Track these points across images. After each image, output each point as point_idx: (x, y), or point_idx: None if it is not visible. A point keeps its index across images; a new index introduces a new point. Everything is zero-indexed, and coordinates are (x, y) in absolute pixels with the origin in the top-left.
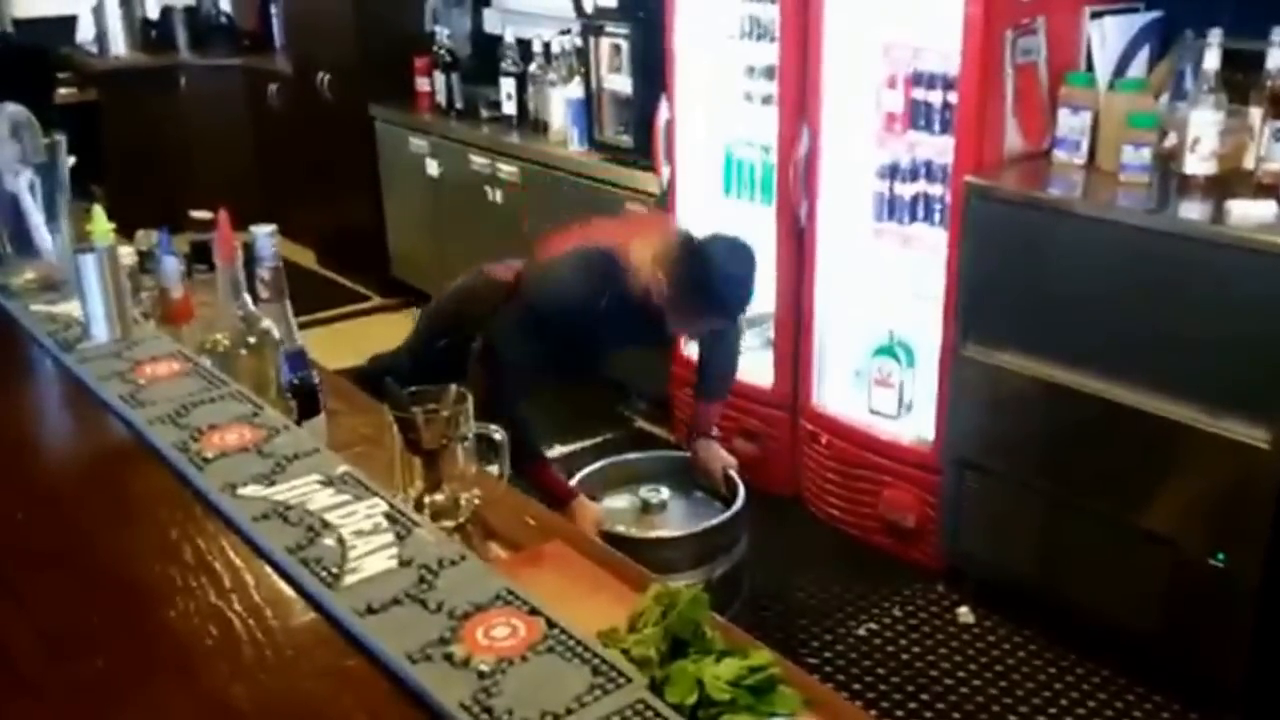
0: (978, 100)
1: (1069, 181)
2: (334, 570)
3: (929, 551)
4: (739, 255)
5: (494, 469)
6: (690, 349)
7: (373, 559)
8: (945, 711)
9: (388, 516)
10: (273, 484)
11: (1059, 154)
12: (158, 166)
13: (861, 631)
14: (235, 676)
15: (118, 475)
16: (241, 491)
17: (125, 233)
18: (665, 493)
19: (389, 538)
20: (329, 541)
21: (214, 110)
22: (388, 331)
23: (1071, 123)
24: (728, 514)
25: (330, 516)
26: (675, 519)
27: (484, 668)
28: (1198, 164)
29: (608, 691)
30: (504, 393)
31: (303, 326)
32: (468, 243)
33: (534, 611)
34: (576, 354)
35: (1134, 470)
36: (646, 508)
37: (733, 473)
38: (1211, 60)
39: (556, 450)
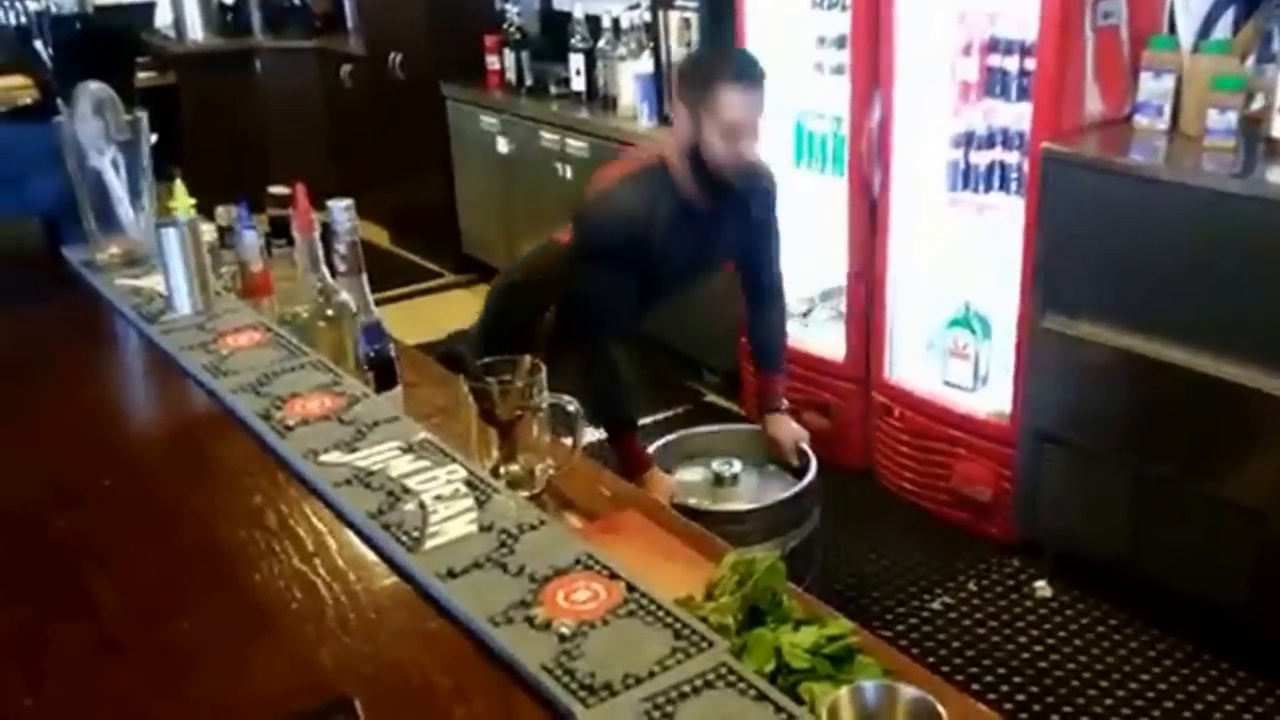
0: (1057, 66)
1: (1151, 147)
2: (415, 535)
3: (1004, 525)
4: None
5: (569, 440)
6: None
7: (453, 524)
8: (1023, 686)
9: (467, 482)
10: (354, 450)
11: (1140, 119)
12: (234, 149)
13: (936, 605)
14: (319, 639)
15: (202, 443)
16: (323, 458)
17: (204, 214)
18: (737, 466)
19: (469, 503)
20: (410, 506)
21: (288, 92)
22: (460, 308)
23: (1154, 87)
24: (799, 487)
25: (411, 482)
26: (747, 492)
27: (565, 630)
28: None
29: (690, 655)
30: (597, 351)
31: (377, 304)
32: (537, 219)
33: (614, 576)
34: (644, 282)
35: (1219, 441)
36: (718, 481)
37: (805, 446)
38: None
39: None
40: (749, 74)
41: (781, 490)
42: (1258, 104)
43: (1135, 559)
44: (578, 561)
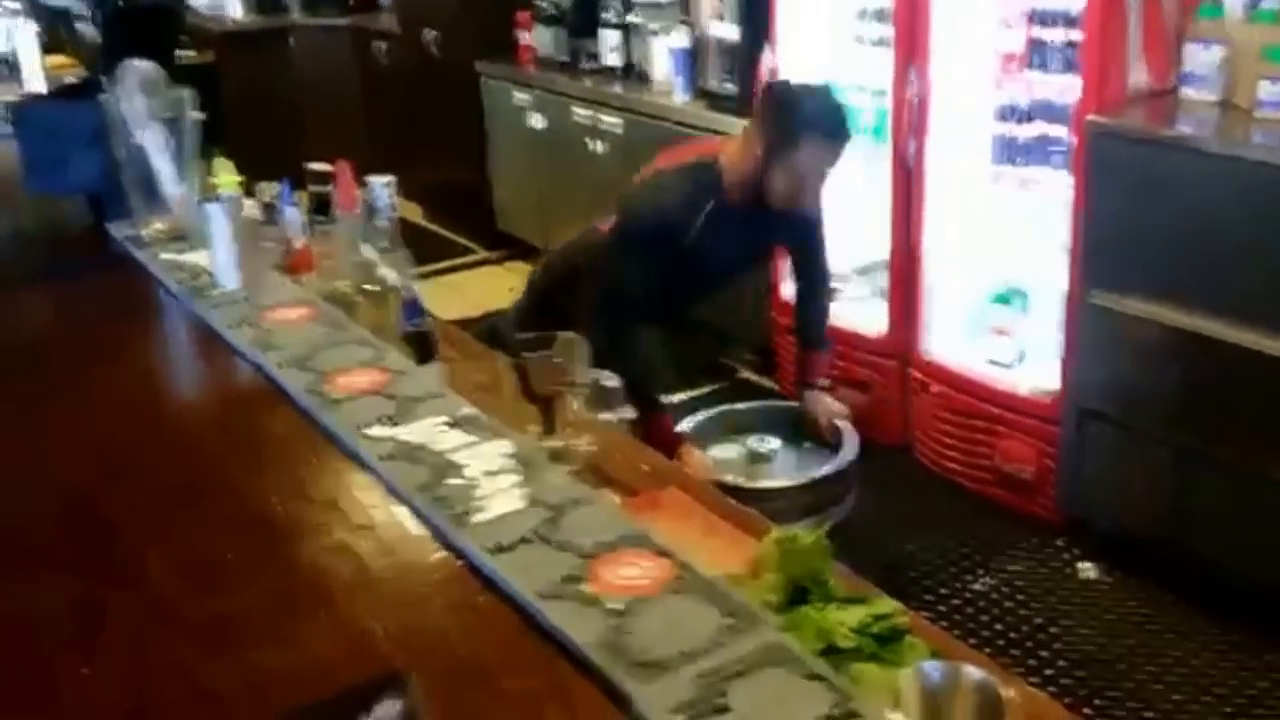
0: (1102, 37)
1: (1200, 119)
2: (462, 509)
3: (1047, 505)
4: (817, 84)
5: (608, 416)
6: (787, 289)
7: (500, 499)
8: (1067, 669)
9: (513, 458)
10: (399, 425)
11: (1187, 91)
12: (271, 127)
13: (978, 586)
14: (371, 612)
15: (250, 416)
16: (369, 432)
17: (245, 189)
18: (774, 443)
19: (515, 478)
20: (456, 481)
21: (324, 69)
22: (493, 285)
23: (1202, 58)
24: (837, 464)
25: (457, 457)
26: (784, 469)
27: (615, 607)
28: None
29: (741, 633)
30: (624, 332)
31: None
32: (570, 195)
33: (662, 552)
34: (681, 277)
35: (1269, 420)
36: (755, 458)
37: (842, 423)
38: None
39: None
40: (841, 135)
41: (819, 468)
42: None
43: (1182, 540)
44: (624, 538)
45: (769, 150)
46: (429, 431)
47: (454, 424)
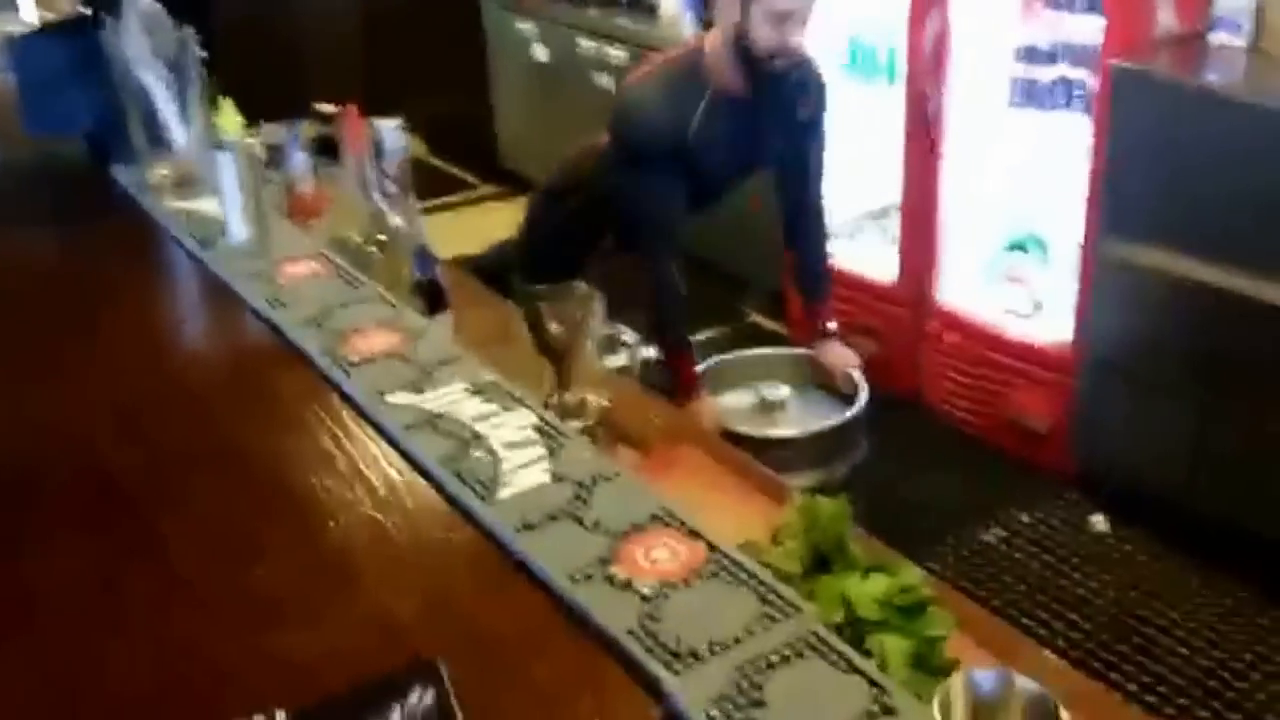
0: None
1: (1229, 66)
2: (488, 484)
3: (1060, 457)
4: None
5: (623, 361)
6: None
7: (526, 473)
8: (1077, 623)
9: (538, 429)
10: (421, 391)
11: (1217, 35)
12: (268, 54)
13: (988, 538)
14: (397, 593)
15: (266, 378)
16: (390, 399)
17: (244, 120)
18: (785, 391)
19: (540, 451)
20: (480, 453)
21: None
22: (496, 220)
23: (1233, 1)
24: (849, 414)
25: (481, 427)
26: (795, 418)
27: (646, 591)
28: None
29: (776, 621)
30: (653, 259)
31: None
32: (576, 129)
33: (694, 534)
34: (689, 179)
35: None
36: (765, 405)
37: (854, 372)
38: None
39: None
40: None
41: (830, 416)
42: None
43: (1195, 494)
44: (655, 517)
45: (744, 4)
46: (450, 399)
47: (477, 391)
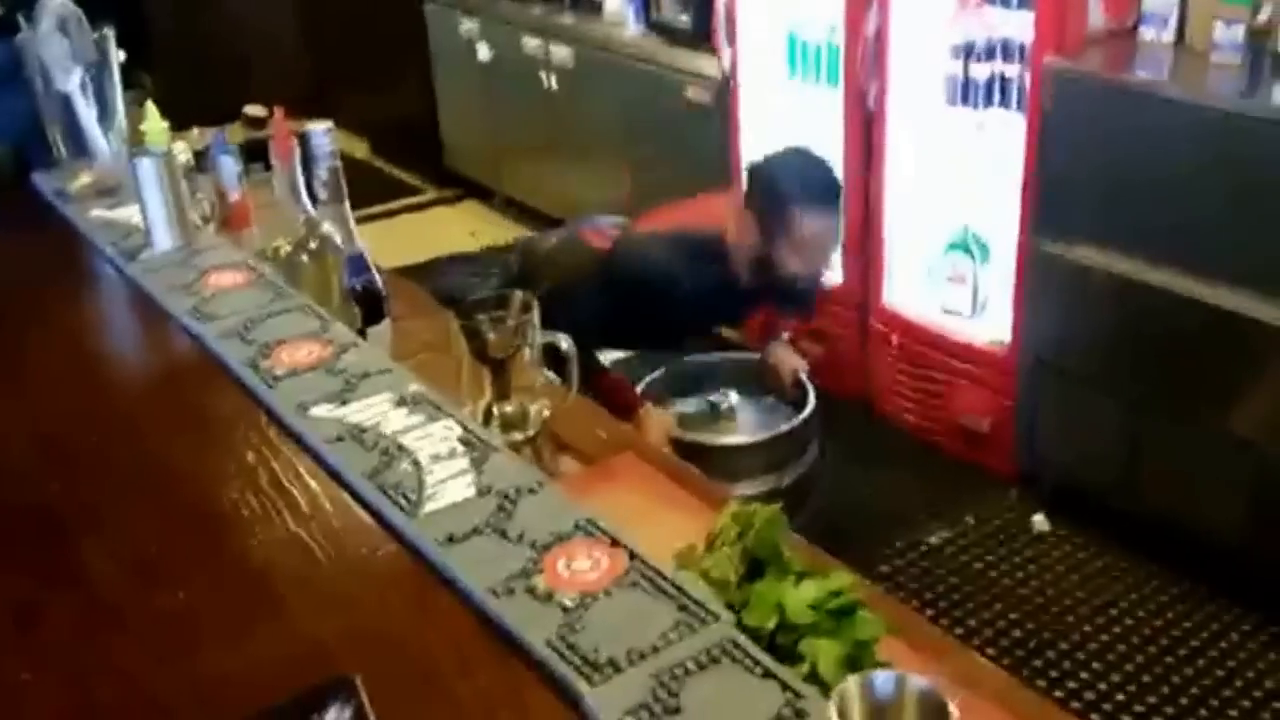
0: None
1: (1156, 62)
2: (412, 497)
3: (1003, 457)
4: (801, 149)
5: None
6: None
7: (450, 485)
8: (1019, 621)
9: (463, 441)
10: (345, 404)
11: (1145, 31)
12: (206, 54)
13: (933, 539)
14: (320, 611)
15: (190, 393)
16: (314, 412)
17: (177, 123)
18: (734, 397)
19: (465, 463)
20: (405, 466)
21: None
22: (442, 226)
23: None
24: (799, 420)
25: (405, 439)
26: (744, 424)
27: (567, 602)
28: None
29: (694, 629)
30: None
31: (357, 221)
32: (522, 132)
33: (615, 543)
34: (657, 327)
35: (1221, 372)
36: (715, 412)
37: (803, 376)
38: None
39: (614, 355)
40: (832, 196)
41: (779, 422)
42: (1265, 15)
43: (1134, 492)
44: (578, 527)
45: (768, 231)
46: (376, 411)
47: (402, 402)
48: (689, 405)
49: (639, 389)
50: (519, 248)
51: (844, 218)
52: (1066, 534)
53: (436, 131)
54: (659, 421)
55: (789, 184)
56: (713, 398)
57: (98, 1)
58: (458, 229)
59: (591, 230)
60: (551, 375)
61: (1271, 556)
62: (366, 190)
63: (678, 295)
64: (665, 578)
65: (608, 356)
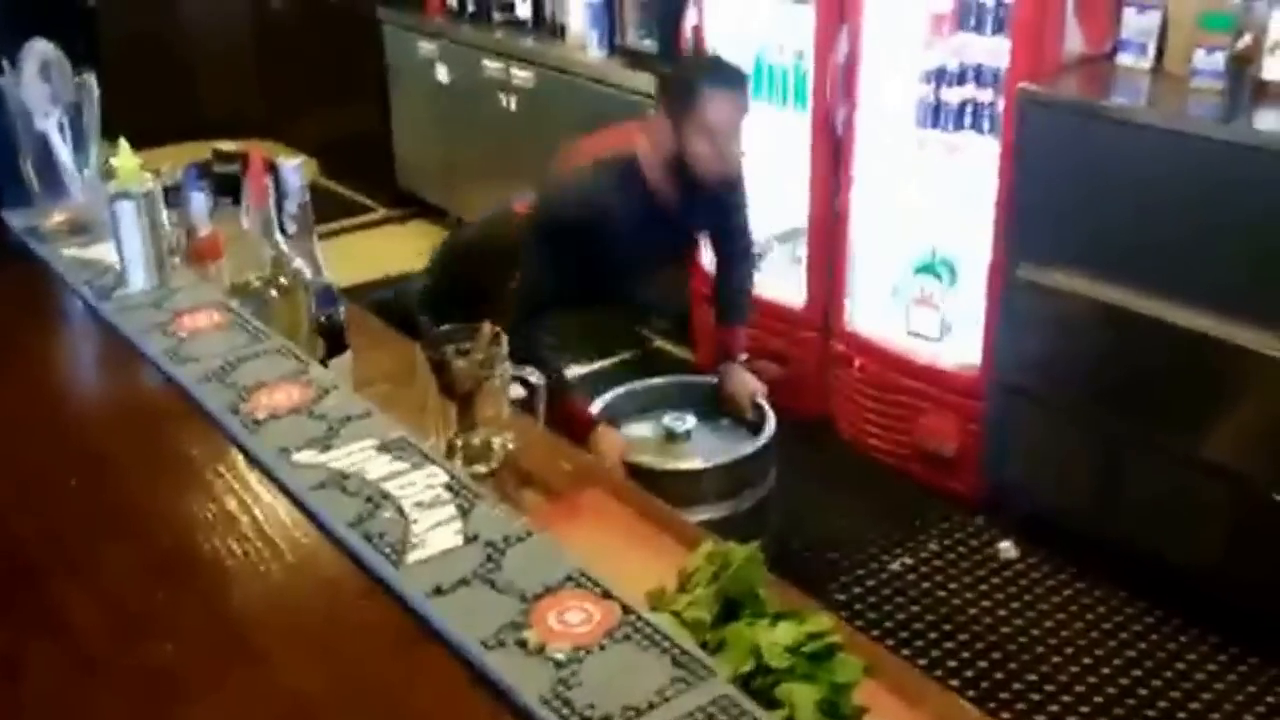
0: None
1: (1134, 88)
2: (398, 547)
3: (969, 482)
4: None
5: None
6: (708, 257)
7: (437, 534)
8: (984, 651)
9: (448, 487)
10: (328, 449)
11: (1123, 57)
12: (158, 72)
13: (895, 566)
14: (305, 662)
15: (169, 437)
16: (296, 458)
17: (121, 132)
18: (690, 421)
19: (451, 510)
20: (389, 514)
21: (214, 13)
22: (395, 245)
23: (1138, 23)
24: (757, 445)
25: (389, 486)
26: (701, 449)
27: (560, 656)
28: (1277, 68)
29: (690, 685)
30: (521, 310)
31: None
32: (479, 153)
33: (607, 595)
34: (599, 269)
35: (1195, 399)
36: (671, 436)
37: (761, 400)
38: None
39: (570, 372)
40: (739, 79)
41: (737, 446)
42: (1245, 42)
43: (1104, 519)
44: (569, 578)
45: (677, 121)
46: (358, 457)
47: (385, 448)
48: (643, 428)
49: (594, 408)
50: (440, 250)
51: (805, 236)
52: (1035, 561)
53: (389, 150)
54: (614, 443)
55: (696, 70)
56: (668, 421)
57: (55, 23)
58: (408, 248)
59: (518, 202)
60: (518, 390)
61: (1247, 585)
62: (317, 210)
63: (611, 227)
64: (658, 631)
65: (572, 372)
